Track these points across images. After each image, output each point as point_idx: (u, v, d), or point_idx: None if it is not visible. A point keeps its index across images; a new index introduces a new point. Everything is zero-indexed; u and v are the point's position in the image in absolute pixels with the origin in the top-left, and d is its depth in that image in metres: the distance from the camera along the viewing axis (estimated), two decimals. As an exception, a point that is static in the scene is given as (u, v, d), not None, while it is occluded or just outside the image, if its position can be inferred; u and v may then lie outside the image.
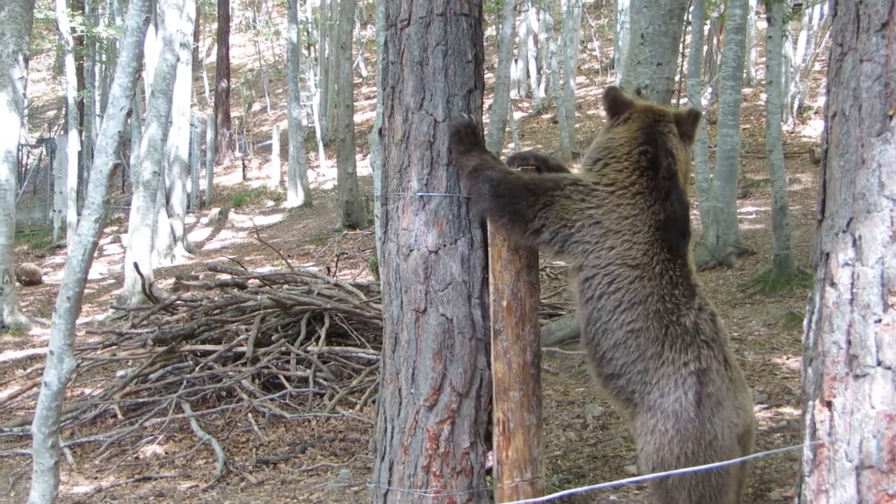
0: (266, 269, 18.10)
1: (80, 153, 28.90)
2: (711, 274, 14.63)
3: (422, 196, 4.76)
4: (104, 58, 35.05)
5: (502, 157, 5.23)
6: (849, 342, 3.22)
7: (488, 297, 4.80)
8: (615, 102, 5.04)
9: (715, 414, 4.47)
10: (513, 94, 33.26)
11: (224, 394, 9.57)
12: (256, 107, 48.29)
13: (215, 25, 42.99)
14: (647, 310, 4.55)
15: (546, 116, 34.50)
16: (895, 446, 3.07)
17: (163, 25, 19.48)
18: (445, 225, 4.75)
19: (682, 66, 17.28)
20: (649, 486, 4.75)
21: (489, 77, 29.97)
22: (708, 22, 25.37)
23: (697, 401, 4.46)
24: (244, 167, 36.30)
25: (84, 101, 32.95)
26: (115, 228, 28.18)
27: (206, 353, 10.17)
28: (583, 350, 4.86)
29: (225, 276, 13.64)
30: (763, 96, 25.48)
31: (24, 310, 17.00)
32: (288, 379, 9.59)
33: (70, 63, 27.13)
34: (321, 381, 9.57)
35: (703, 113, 17.72)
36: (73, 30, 27.78)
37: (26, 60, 15.54)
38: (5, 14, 14.99)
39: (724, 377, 4.56)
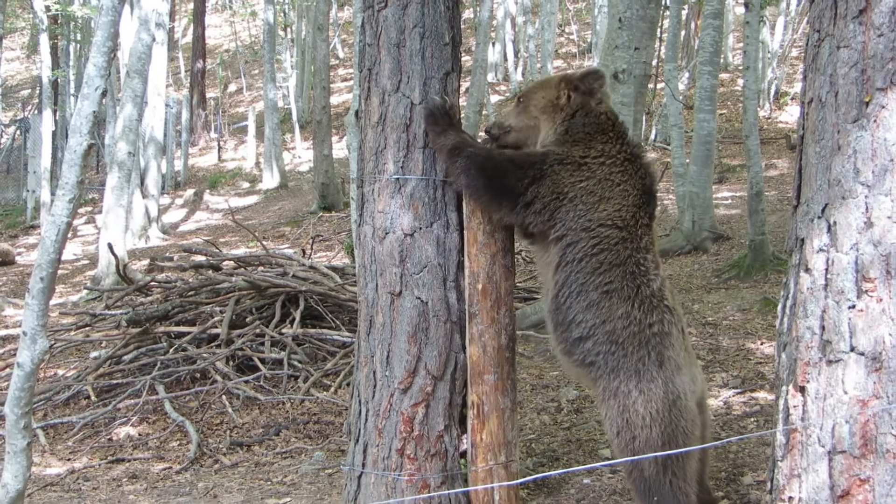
0: (241, 251, 18.03)
1: (54, 133, 28.70)
2: (687, 259, 14.67)
3: (398, 179, 4.75)
4: (79, 37, 34.80)
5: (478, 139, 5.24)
6: (823, 328, 3.23)
7: (464, 281, 4.80)
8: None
9: (676, 375, 4.56)
10: (490, 77, 33.20)
11: (198, 376, 9.55)
12: (232, 88, 48.04)
13: (191, 5, 42.70)
14: (625, 271, 4.64)
15: (523, 100, 34.47)
16: (867, 431, 3.08)
17: (138, 5, 19.36)
18: (421, 208, 4.74)
19: (660, 50, 17.33)
20: (614, 450, 4.75)
21: (466, 60, 29.87)
22: (686, 7, 25.40)
23: (660, 361, 4.55)
24: (220, 148, 36.12)
25: (59, 80, 32.69)
26: (89, 209, 28.02)
27: (180, 335, 10.14)
28: (548, 317, 4.91)
29: (200, 258, 13.58)
30: (740, 82, 25.55)
31: (-3, 290, 16.92)
32: (262, 361, 9.57)
33: (44, 42, 26.93)
34: (296, 363, 9.56)
35: (681, 98, 17.74)
36: (48, 8, 27.52)
37: (0, 39, 15.41)
38: (-21, -8, 14.87)
39: (681, 344, 4.67)
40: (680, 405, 4.52)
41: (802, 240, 3.38)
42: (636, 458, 4.49)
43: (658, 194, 4.98)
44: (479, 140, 5.17)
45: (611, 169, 4.76)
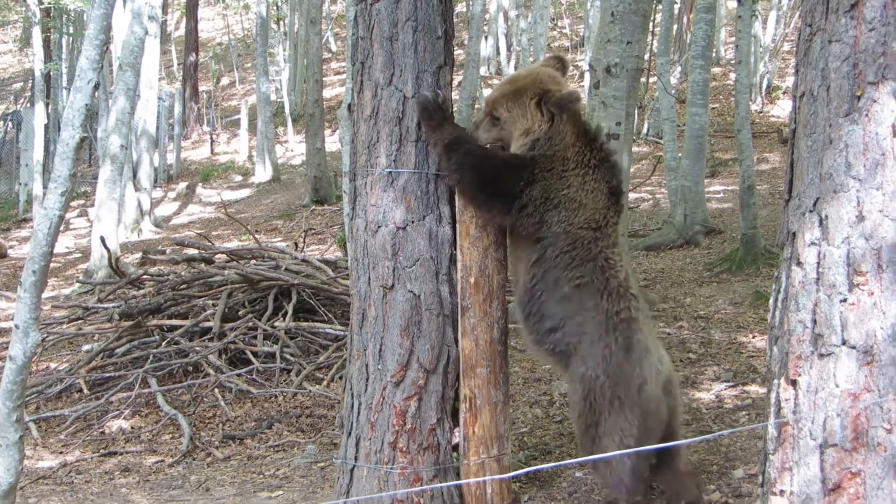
0: (233, 244, 18.04)
1: (46, 126, 28.66)
2: (679, 252, 14.69)
3: (390, 172, 4.75)
4: (72, 30, 34.74)
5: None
6: (814, 321, 3.24)
7: (456, 274, 4.81)
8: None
9: (644, 359, 4.69)
10: (482, 70, 33.12)
11: (191, 369, 9.55)
12: (225, 81, 47.95)
13: (184, -2, 42.69)
14: (595, 265, 4.78)
15: (515, 94, 34.42)
16: (858, 425, 3.09)
17: (131, -2, 19.32)
18: (414, 201, 4.75)
19: (652, 44, 17.33)
20: (577, 436, 4.93)
21: (459, 53, 29.81)
22: (678, 1, 25.39)
23: (628, 346, 4.68)
24: (212, 142, 36.06)
25: (51, 73, 32.66)
26: (81, 202, 27.98)
27: (172, 328, 10.14)
28: (519, 308, 5.04)
29: (192, 251, 13.55)
30: (732, 76, 25.57)
31: (-12, 283, 16.90)
32: (255, 354, 9.57)
33: (37, 35, 26.88)
34: (288, 356, 9.56)
35: (673, 92, 17.75)
36: (41, 1, 27.48)
37: (-8, 32, 15.37)
38: (-30, -16, 14.82)
39: (648, 328, 4.87)
40: (646, 391, 4.66)
41: (794, 233, 3.38)
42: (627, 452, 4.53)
43: (625, 191, 5.32)
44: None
45: (584, 178, 4.88)
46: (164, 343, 9.84)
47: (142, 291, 11.76)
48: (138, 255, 17.98)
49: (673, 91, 18.07)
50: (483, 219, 4.84)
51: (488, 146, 5.00)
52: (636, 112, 17.88)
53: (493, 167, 4.80)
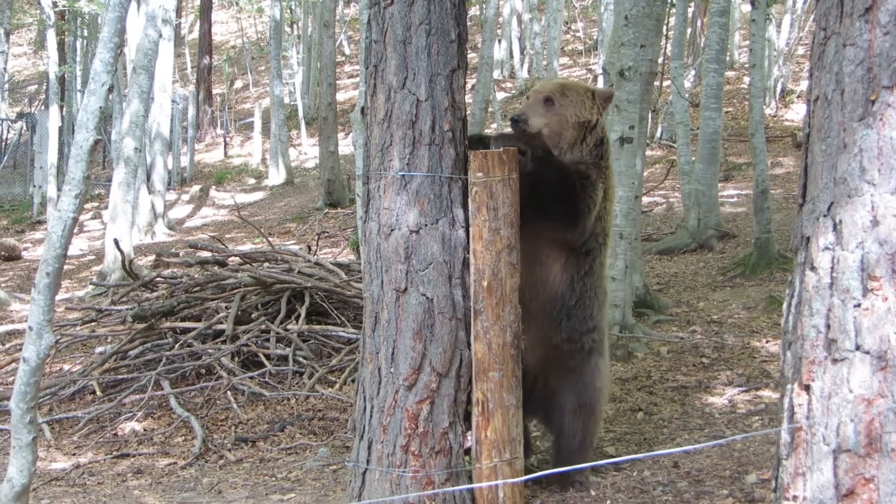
0: (247, 247, 18.06)
1: (60, 128, 28.71)
2: (692, 256, 14.67)
3: (403, 175, 4.75)
4: (86, 33, 34.87)
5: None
6: (828, 326, 3.23)
7: (469, 278, 4.81)
8: None
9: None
10: (496, 74, 33.10)
11: (203, 371, 9.55)
12: (239, 84, 48.06)
13: (198, 1, 42.78)
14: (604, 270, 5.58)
15: (529, 97, 34.36)
16: (872, 430, 3.08)
17: (145, 1, 19.32)
18: (427, 204, 4.74)
19: (666, 48, 17.31)
20: (571, 420, 5.56)
21: (472, 57, 29.78)
22: (692, 4, 25.35)
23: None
24: (226, 144, 36.15)
25: (65, 76, 32.73)
26: (95, 204, 28.02)
27: (185, 331, 10.15)
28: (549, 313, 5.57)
29: (205, 254, 13.59)
30: (746, 79, 25.56)
31: (3, 285, 16.98)
32: (267, 357, 9.57)
33: (51, 38, 26.98)
34: (301, 359, 9.57)
35: (687, 95, 17.72)
36: (55, 4, 27.57)
37: (7, 35, 15.47)
38: (-14, -13, 14.88)
39: None
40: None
41: (808, 238, 3.37)
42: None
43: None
44: (494, 130, 5.36)
45: (611, 187, 5.50)
46: (177, 345, 9.85)
47: (155, 294, 11.78)
48: (152, 257, 18.03)
49: (686, 95, 18.03)
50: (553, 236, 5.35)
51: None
52: (650, 116, 17.86)
53: (572, 185, 5.23)
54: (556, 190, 5.14)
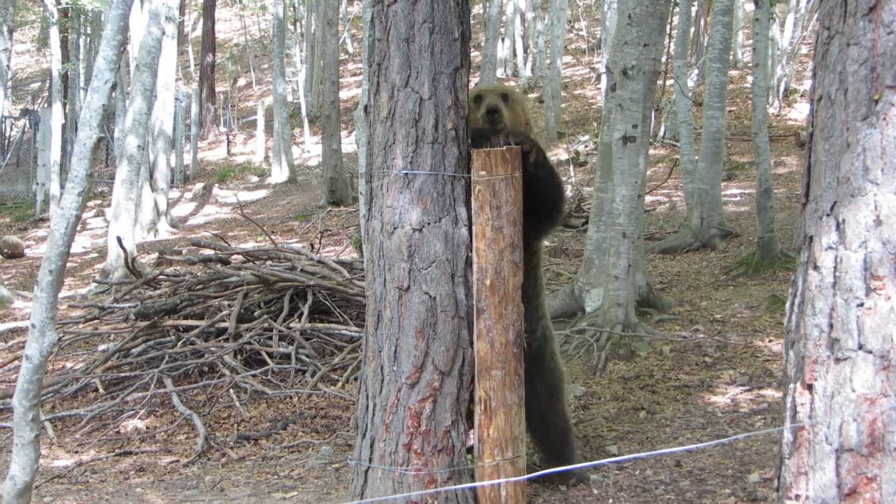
0: (250, 245, 18.07)
1: (63, 126, 28.77)
2: (695, 256, 14.67)
3: (406, 174, 4.75)
4: (89, 30, 34.86)
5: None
6: (831, 325, 3.22)
7: (472, 276, 4.81)
8: None
9: None
10: (499, 72, 33.13)
11: (206, 369, 9.56)
12: (242, 82, 48.09)
13: (201, -1, 42.78)
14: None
15: (532, 96, 34.36)
16: (875, 430, 3.08)
17: (149, -1, 19.37)
18: (430, 203, 4.74)
19: (669, 47, 17.29)
20: (558, 404, 5.97)
21: (476, 55, 29.87)
22: (695, 3, 25.34)
23: None
24: (229, 142, 36.18)
25: (68, 73, 32.82)
26: (98, 202, 28.05)
27: (188, 329, 10.15)
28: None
29: (208, 252, 13.59)
30: (749, 79, 25.49)
31: (6, 283, 16.97)
32: (270, 355, 9.58)
33: (55, 35, 27.03)
34: (303, 357, 9.57)
35: (690, 95, 17.71)
36: (58, 2, 27.60)
37: (10, 32, 15.45)
38: (-11, -15, 14.88)
39: None
40: None
41: (811, 237, 3.37)
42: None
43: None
44: (481, 116, 5.29)
45: None
46: (179, 343, 9.85)
47: (158, 292, 11.78)
48: (155, 255, 18.02)
49: (690, 94, 18.04)
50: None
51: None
52: (653, 115, 17.83)
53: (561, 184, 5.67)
54: (548, 188, 5.25)
